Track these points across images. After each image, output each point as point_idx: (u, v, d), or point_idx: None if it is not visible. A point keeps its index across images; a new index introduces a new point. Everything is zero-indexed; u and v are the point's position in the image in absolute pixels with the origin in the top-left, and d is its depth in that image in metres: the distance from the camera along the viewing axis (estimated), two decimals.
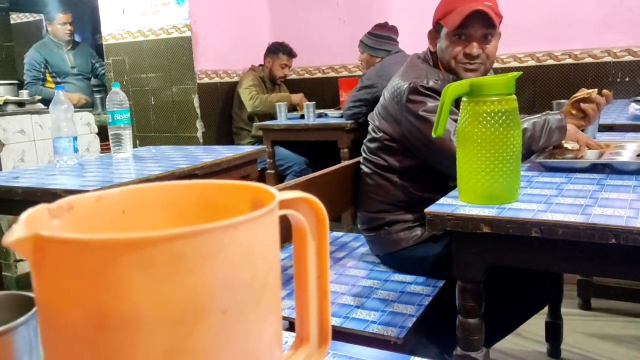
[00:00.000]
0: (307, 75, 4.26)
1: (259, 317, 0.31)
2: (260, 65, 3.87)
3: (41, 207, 0.34)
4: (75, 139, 1.99)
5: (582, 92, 1.50)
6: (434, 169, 1.57)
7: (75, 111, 2.30)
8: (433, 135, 1.18)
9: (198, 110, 3.68)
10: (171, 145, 2.60)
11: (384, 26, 3.25)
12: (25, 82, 4.16)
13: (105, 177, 1.74)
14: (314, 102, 3.44)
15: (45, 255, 0.29)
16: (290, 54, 3.79)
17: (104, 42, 3.92)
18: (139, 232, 0.28)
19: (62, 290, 0.30)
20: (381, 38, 3.19)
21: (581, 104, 1.49)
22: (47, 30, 4.62)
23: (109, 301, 0.29)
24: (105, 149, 3.14)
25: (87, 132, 3.24)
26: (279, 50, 3.77)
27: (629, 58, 3.19)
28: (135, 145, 3.79)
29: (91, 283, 0.29)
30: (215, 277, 0.28)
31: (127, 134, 2.11)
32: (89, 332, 0.30)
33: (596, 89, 1.52)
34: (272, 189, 0.34)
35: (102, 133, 3.11)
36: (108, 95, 2.11)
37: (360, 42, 3.28)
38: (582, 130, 1.50)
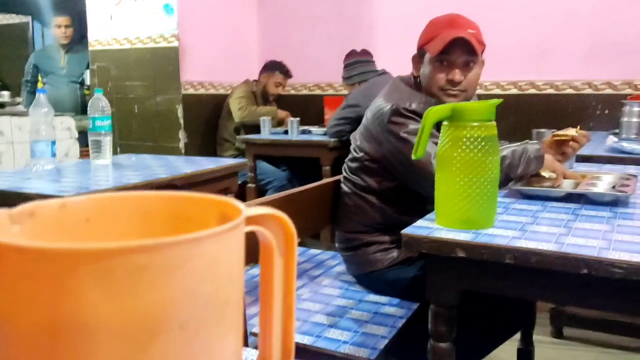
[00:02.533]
0: (293, 92, 4.28)
1: (219, 334, 0.30)
2: (255, 80, 3.87)
3: (1, 212, 0.33)
4: (53, 143, 1.96)
5: (566, 132, 1.54)
6: (413, 191, 1.57)
7: (55, 115, 2.28)
8: (413, 157, 1.18)
9: (181, 121, 3.67)
10: (152, 154, 2.58)
11: (351, 54, 3.33)
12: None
13: (81, 183, 1.72)
14: (298, 118, 3.45)
15: (0, 262, 0.29)
16: (287, 74, 3.81)
17: (90, 48, 3.90)
18: (98, 243, 0.27)
19: (18, 298, 0.29)
20: (351, 65, 3.27)
21: (564, 147, 1.54)
22: (33, 32, 4.59)
23: (65, 311, 0.28)
24: (84, 154, 3.10)
25: (67, 137, 3.20)
26: (276, 68, 3.78)
27: (609, 91, 3.25)
28: (116, 153, 3.75)
29: (47, 292, 0.28)
30: (175, 292, 0.28)
31: (108, 141, 2.09)
32: (42, 341, 0.29)
33: (578, 127, 1.56)
34: (240, 204, 0.34)
35: (85, 139, 3.08)
36: (90, 101, 2.09)
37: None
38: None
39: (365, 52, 3.31)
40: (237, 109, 3.63)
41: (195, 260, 0.28)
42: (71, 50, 4.35)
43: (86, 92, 4.37)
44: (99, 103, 2.06)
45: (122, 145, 3.83)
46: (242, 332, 0.33)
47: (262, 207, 0.35)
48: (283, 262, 0.37)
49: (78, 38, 4.38)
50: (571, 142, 1.54)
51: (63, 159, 3.06)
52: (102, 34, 3.84)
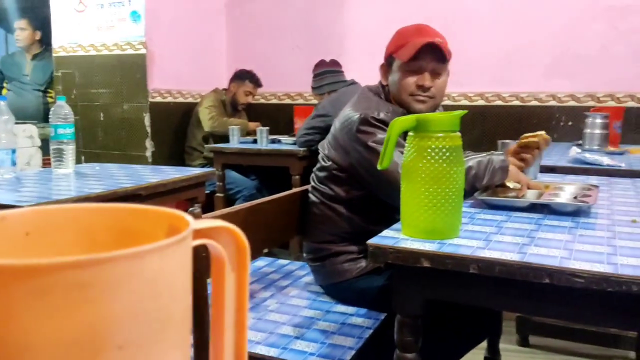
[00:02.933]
0: (262, 101, 4.26)
1: (161, 352, 0.28)
2: (225, 89, 3.85)
3: None
4: (14, 151, 1.91)
5: (535, 134, 1.58)
6: (381, 200, 1.57)
7: (17, 123, 2.22)
8: (378, 167, 1.18)
9: (149, 129, 3.61)
10: (118, 164, 2.53)
11: (320, 64, 3.35)
12: None
13: (42, 193, 1.67)
14: (267, 128, 3.43)
15: None
16: (257, 83, 3.79)
17: (54, 54, 3.82)
18: (32, 259, 0.26)
19: None
20: (319, 75, 3.29)
21: (522, 154, 1.57)
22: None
23: None
24: (47, 163, 3.03)
25: (29, 145, 3.12)
26: (245, 77, 3.76)
27: (572, 103, 3.33)
28: (80, 162, 3.68)
29: None
30: (114, 309, 0.26)
31: (70, 149, 2.04)
32: None
33: (543, 132, 1.60)
34: (188, 217, 0.32)
35: (49, 147, 3.01)
36: (52, 109, 2.04)
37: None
38: (523, 171, 1.56)
39: (334, 63, 3.33)
40: (208, 119, 3.60)
41: (137, 276, 0.27)
42: (37, 57, 4.26)
43: (49, 100, 4.28)
44: (62, 110, 2.02)
45: (87, 153, 3.76)
46: (188, 348, 0.32)
47: (213, 220, 0.34)
48: (235, 275, 0.36)
49: (44, 45, 4.29)
50: (531, 149, 1.58)
51: (25, 168, 2.98)
52: (66, 39, 3.77)
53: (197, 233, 0.33)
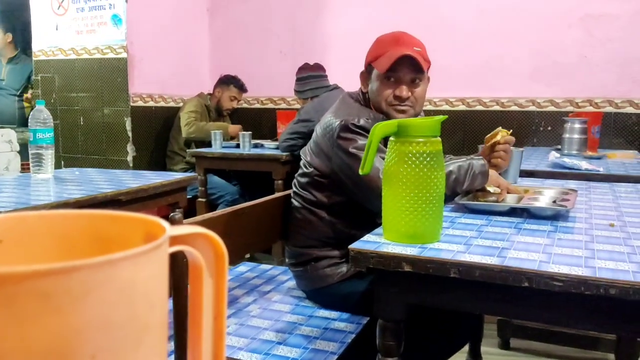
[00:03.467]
0: (245, 105, 4.25)
1: None
2: (209, 93, 3.83)
3: None
4: None
5: (489, 141, 1.61)
6: (362, 206, 1.58)
7: None
8: (360, 173, 1.19)
9: (130, 134, 3.58)
10: (98, 168, 2.50)
11: (304, 67, 3.34)
12: None
13: (20, 198, 1.65)
14: (250, 132, 3.42)
15: None
16: (241, 88, 3.78)
17: (34, 58, 3.78)
18: (4, 266, 0.25)
19: None
20: (304, 79, 3.27)
21: (493, 154, 1.60)
22: None
23: None
24: (26, 168, 2.99)
25: (7, 150, 3.08)
26: (230, 82, 3.75)
27: (551, 108, 3.38)
28: (60, 166, 3.63)
29: None
30: (85, 319, 0.26)
31: (49, 154, 2.02)
32: None
33: (499, 128, 1.62)
34: (165, 223, 0.32)
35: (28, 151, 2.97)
36: (31, 113, 2.01)
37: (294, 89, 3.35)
38: (502, 175, 1.58)
39: (318, 67, 3.32)
40: (185, 124, 3.57)
41: (109, 285, 0.26)
42: (12, 61, 4.20)
43: (25, 104, 4.22)
44: (41, 115, 1.99)
45: (67, 158, 3.71)
46: (166, 356, 0.32)
47: (190, 226, 0.34)
48: (213, 282, 0.35)
49: (18, 48, 4.23)
50: (496, 153, 1.59)
51: (3, 173, 2.93)
52: (46, 43, 3.72)
53: (174, 239, 0.33)
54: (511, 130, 1.65)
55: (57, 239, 0.35)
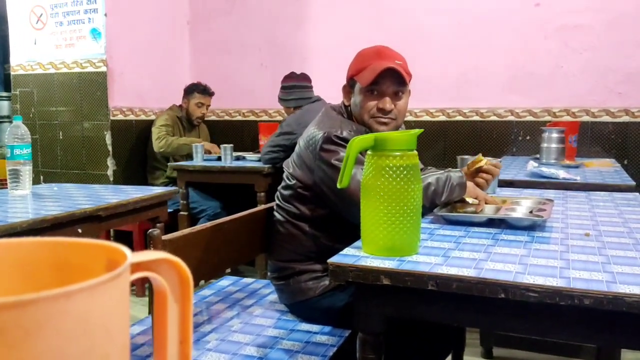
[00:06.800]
0: (227, 118, 4.24)
1: None
2: (180, 105, 3.81)
3: None
4: None
5: (476, 159, 1.62)
6: (344, 219, 1.58)
7: None
8: (338, 186, 1.19)
9: (110, 148, 3.55)
10: (77, 184, 2.47)
11: (290, 76, 3.33)
12: None
13: None
14: (231, 145, 3.41)
15: None
16: (204, 91, 3.73)
17: (12, 73, 3.74)
18: None
19: None
20: (288, 89, 3.27)
21: (476, 179, 1.60)
22: None
23: None
24: (3, 184, 2.95)
25: None
26: (193, 89, 3.73)
27: (529, 118, 3.42)
28: (39, 182, 3.59)
29: None
30: (39, 352, 0.26)
31: (27, 170, 1.99)
32: None
33: (489, 160, 1.63)
34: (126, 250, 0.32)
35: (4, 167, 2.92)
36: (8, 129, 1.99)
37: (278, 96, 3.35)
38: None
39: (304, 77, 3.31)
40: (156, 139, 3.52)
41: (64, 317, 0.26)
42: None
43: None
44: (18, 131, 1.97)
45: (46, 173, 3.67)
46: None
47: (153, 252, 0.34)
48: (178, 308, 0.35)
49: None
50: (482, 174, 1.61)
51: None
52: (25, 58, 3.69)
53: (137, 266, 0.33)
54: (500, 160, 1.67)
55: (18, 268, 0.35)
